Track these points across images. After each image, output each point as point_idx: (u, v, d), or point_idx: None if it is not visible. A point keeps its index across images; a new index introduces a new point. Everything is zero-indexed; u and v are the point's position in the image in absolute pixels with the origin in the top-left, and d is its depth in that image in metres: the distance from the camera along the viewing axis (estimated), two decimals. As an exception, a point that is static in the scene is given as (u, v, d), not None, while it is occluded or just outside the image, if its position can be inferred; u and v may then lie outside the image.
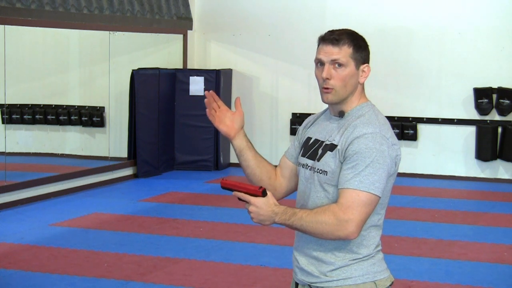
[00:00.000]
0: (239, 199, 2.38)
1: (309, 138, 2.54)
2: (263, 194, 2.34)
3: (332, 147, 2.41)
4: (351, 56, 2.41)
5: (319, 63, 2.44)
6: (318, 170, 2.43)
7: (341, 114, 2.46)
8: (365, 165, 2.30)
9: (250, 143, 2.64)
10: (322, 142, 2.47)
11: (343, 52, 2.40)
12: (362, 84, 2.48)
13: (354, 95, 2.45)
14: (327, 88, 2.41)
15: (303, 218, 2.31)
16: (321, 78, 2.42)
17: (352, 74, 2.42)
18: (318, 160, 2.44)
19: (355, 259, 2.40)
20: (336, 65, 2.40)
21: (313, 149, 2.49)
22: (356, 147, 2.32)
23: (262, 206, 2.33)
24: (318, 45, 2.46)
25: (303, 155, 2.54)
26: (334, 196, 2.39)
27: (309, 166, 2.48)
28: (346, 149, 2.35)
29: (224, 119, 2.64)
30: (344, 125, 2.43)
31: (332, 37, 2.41)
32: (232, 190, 2.38)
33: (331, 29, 2.51)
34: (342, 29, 2.46)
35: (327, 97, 2.42)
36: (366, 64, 2.47)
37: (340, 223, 2.27)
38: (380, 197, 2.34)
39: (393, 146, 2.37)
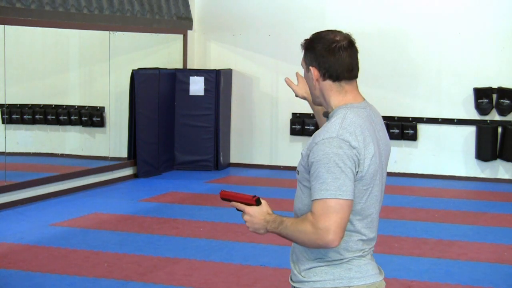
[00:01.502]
0: (237, 209, 2.45)
1: None
2: (257, 203, 2.39)
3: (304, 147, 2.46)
4: (304, 60, 2.49)
5: None
6: (296, 170, 2.48)
7: (325, 115, 2.50)
8: (326, 172, 2.27)
9: None
10: None
11: (302, 57, 2.49)
12: (336, 85, 2.43)
13: (327, 96, 2.45)
14: None
15: (288, 227, 2.33)
16: None
17: (307, 77, 2.49)
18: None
19: (323, 262, 2.38)
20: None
21: None
22: (315, 155, 2.31)
23: (256, 215, 2.39)
24: None
25: None
26: (306, 197, 2.40)
27: None
28: (307, 156, 2.35)
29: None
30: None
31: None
32: (229, 200, 2.45)
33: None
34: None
35: None
36: (311, 67, 2.44)
37: (317, 232, 2.26)
38: (352, 200, 2.29)
39: (354, 149, 2.31)
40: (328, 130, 2.33)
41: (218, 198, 8.03)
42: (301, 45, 2.49)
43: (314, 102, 2.54)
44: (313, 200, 2.29)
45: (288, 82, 2.90)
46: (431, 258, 5.86)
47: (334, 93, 2.43)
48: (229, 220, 7.00)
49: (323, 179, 2.27)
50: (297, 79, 2.92)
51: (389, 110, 9.74)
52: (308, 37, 2.49)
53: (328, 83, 2.42)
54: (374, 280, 2.41)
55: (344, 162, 2.28)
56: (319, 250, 2.37)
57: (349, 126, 2.34)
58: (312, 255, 2.39)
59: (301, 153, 2.41)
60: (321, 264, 2.38)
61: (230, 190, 2.48)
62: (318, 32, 2.48)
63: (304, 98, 2.88)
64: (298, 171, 2.43)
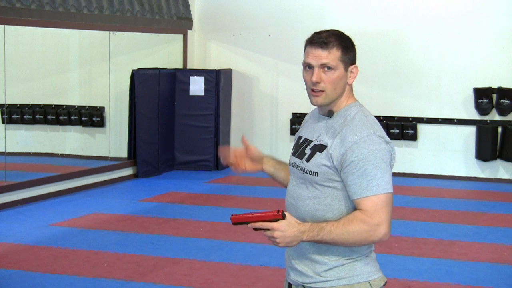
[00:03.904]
0: (256, 229, 2.31)
1: (299, 137, 2.57)
2: (283, 216, 2.28)
3: (321, 148, 2.42)
4: (340, 59, 2.40)
5: (308, 66, 2.43)
6: (308, 171, 2.43)
7: (330, 114, 2.47)
8: (374, 168, 2.31)
9: (276, 161, 2.77)
10: (310, 141, 2.48)
11: (332, 56, 2.39)
12: (351, 85, 2.48)
13: (343, 95, 2.46)
14: (316, 91, 2.41)
15: (333, 231, 2.30)
16: (310, 81, 2.42)
17: (341, 77, 2.41)
18: (307, 161, 2.44)
19: (349, 259, 2.40)
20: (326, 68, 2.40)
21: (301, 149, 2.51)
22: (358, 154, 2.32)
23: (287, 229, 2.29)
24: (306, 48, 2.45)
25: (293, 154, 2.56)
26: (326, 197, 2.39)
27: (297, 165, 2.50)
28: (344, 155, 2.34)
29: (245, 163, 2.75)
30: (333, 125, 2.43)
31: (320, 41, 2.39)
32: (246, 223, 2.32)
33: (328, 29, 2.50)
34: (329, 31, 2.44)
35: (317, 100, 2.43)
36: (354, 65, 2.45)
37: (373, 228, 2.28)
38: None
39: (388, 144, 2.40)
40: (362, 128, 2.36)
41: (218, 198, 8.04)
42: (330, 41, 2.38)
43: (330, 100, 2.41)
44: (361, 198, 2.31)
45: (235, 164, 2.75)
46: (431, 258, 5.86)
47: (349, 92, 2.49)
48: (229, 220, 6.99)
49: (371, 176, 2.30)
50: (245, 146, 2.73)
51: (389, 110, 9.75)
52: (335, 33, 2.42)
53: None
54: (382, 273, 2.49)
55: (387, 157, 2.36)
56: (345, 249, 2.38)
57: (375, 123, 2.42)
58: (336, 254, 2.40)
59: (329, 154, 2.37)
60: (345, 262, 2.40)
61: (241, 213, 2.34)
62: (341, 32, 2.46)
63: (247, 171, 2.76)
64: (316, 172, 2.40)
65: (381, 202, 2.30)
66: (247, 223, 2.31)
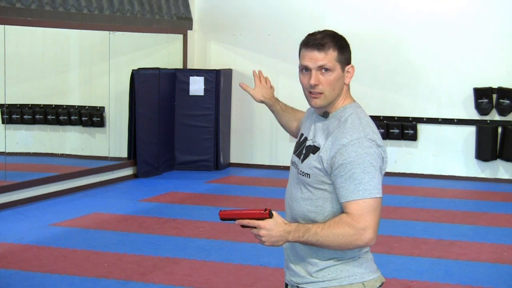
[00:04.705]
0: (243, 226, 2.31)
1: (301, 135, 2.57)
2: (270, 215, 2.28)
3: (314, 149, 2.41)
4: (336, 59, 2.39)
5: (304, 69, 2.42)
6: (301, 172, 2.43)
7: (325, 115, 2.46)
8: (362, 172, 2.28)
9: (275, 101, 2.94)
10: (306, 140, 2.49)
11: (329, 57, 2.37)
12: (348, 85, 2.47)
13: (343, 95, 2.45)
14: (315, 93, 2.40)
15: (318, 233, 2.29)
16: (307, 84, 2.40)
17: (339, 77, 2.40)
18: (302, 162, 2.44)
19: (340, 260, 2.39)
20: (323, 70, 2.38)
21: (300, 148, 2.51)
22: (346, 157, 2.30)
23: (273, 228, 2.29)
24: (301, 51, 2.43)
25: (294, 152, 2.56)
26: (318, 199, 2.39)
27: (296, 164, 2.50)
28: (333, 158, 2.33)
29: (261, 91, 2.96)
30: (327, 127, 2.42)
31: (316, 42, 2.38)
32: (233, 219, 2.32)
33: (328, 30, 2.50)
34: (323, 31, 2.43)
35: (316, 102, 2.41)
36: (350, 65, 2.44)
37: (358, 232, 2.27)
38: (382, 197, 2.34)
39: (380, 148, 2.37)
40: (353, 131, 2.34)
41: (218, 198, 8.03)
42: (326, 43, 2.37)
43: (328, 101, 2.42)
44: (348, 201, 2.29)
45: (243, 87, 2.94)
46: (431, 258, 5.86)
47: (346, 92, 2.47)
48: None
49: (359, 180, 2.28)
50: (255, 82, 2.93)
51: (389, 110, 9.74)
52: (328, 33, 2.41)
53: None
54: (379, 274, 2.47)
55: (376, 161, 2.32)
56: (336, 250, 2.36)
57: (369, 126, 2.38)
58: (327, 255, 2.39)
59: (319, 156, 2.37)
60: (336, 263, 2.40)
61: (229, 209, 2.35)
62: (335, 32, 2.45)
63: (262, 102, 2.92)
64: (308, 174, 2.40)
65: (368, 206, 2.27)
66: (234, 219, 2.32)
